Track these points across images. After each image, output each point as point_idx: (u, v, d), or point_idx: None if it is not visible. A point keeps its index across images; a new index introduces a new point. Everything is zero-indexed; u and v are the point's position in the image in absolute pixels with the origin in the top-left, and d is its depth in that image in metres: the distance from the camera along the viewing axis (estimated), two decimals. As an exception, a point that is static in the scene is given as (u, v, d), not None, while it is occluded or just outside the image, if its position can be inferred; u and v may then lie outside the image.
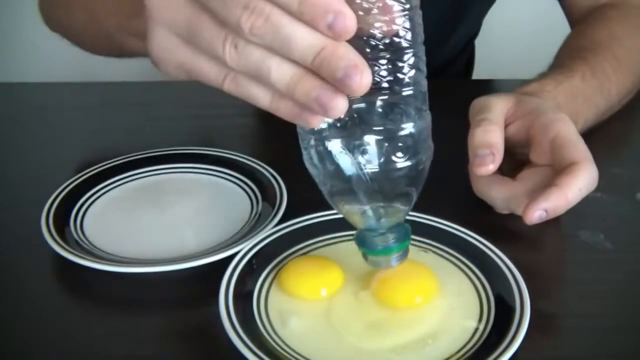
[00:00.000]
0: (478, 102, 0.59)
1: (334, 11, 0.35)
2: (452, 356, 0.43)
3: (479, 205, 0.57)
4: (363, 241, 0.45)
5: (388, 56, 0.38)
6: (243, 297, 0.47)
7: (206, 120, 0.76)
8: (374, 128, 0.39)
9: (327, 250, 0.52)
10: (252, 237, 0.53)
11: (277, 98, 0.38)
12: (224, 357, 0.44)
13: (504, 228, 0.56)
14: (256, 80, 0.38)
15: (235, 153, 0.65)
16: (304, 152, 0.42)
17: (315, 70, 0.36)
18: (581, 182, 0.52)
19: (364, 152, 0.39)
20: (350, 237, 0.53)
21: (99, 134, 0.76)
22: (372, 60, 0.37)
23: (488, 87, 0.89)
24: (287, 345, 0.44)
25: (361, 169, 0.40)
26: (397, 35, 0.37)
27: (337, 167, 0.40)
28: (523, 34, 1.42)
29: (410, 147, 0.40)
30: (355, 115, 0.39)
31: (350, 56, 0.36)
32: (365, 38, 0.37)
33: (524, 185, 0.55)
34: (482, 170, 0.54)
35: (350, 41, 0.36)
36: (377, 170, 0.40)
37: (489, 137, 0.55)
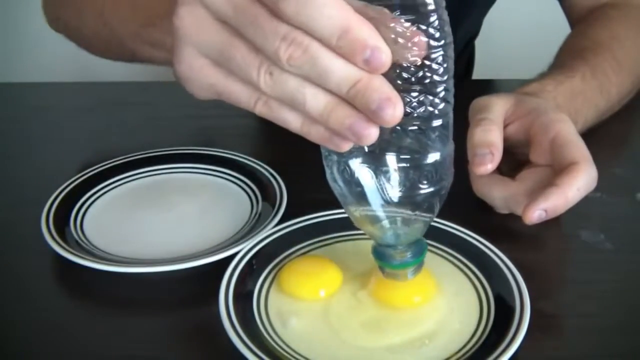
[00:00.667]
0: (478, 102, 0.59)
1: (371, 47, 0.35)
2: (451, 356, 0.43)
3: (479, 205, 0.57)
4: (381, 255, 0.46)
5: (420, 88, 0.38)
6: (243, 297, 0.47)
7: (206, 120, 0.76)
8: (401, 156, 0.40)
9: (327, 251, 0.52)
10: (252, 237, 0.53)
11: (309, 123, 0.39)
12: (224, 357, 0.44)
13: (504, 228, 0.56)
14: (289, 106, 0.38)
15: (235, 153, 0.65)
16: (327, 170, 0.43)
17: (350, 100, 0.37)
18: (581, 182, 0.52)
19: (388, 178, 0.40)
20: (350, 237, 0.53)
21: (99, 134, 0.76)
22: (404, 92, 0.38)
23: (488, 87, 0.89)
24: (287, 345, 0.44)
25: (384, 193, 0.41)
26: (430, 69, 0.38)
27: (361, 189, 0.41)
28: (523, 34, 1.42)
29: (435, 175, 0.41)
30: (383, 143, 0.39)
31: (384, 89, 0.36)
32: (398, 70, 0.38)
33: (524, 185, 0.55)
34: (481, 170, 0.54)
35: (385, 73, 0.36)
36: (400, 195, 0.41)
37: (488, 137, 0.55)
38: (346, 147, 0.39)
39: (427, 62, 0.38)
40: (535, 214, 0.52)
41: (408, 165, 0.40)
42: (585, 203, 0.54)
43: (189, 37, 0.39)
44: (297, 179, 0.59)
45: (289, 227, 0.54)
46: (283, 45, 0.36)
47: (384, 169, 0.40)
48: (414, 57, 0.37)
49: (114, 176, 0.63)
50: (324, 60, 0.36)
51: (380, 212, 0.42)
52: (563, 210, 0.53)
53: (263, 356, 0.41)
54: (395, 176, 0.40)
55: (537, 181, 0.55)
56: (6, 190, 0.65)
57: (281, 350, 0.43)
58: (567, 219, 0.55)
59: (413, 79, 0.38)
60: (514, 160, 0.58)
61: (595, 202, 0.58)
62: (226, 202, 0.60)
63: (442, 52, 0.38)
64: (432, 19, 0.37)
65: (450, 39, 0.39)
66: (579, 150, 0.54)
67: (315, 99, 0.37)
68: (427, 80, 0.38)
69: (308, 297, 0.48)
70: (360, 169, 0.41)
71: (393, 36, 0.36)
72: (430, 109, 0.39)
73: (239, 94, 0.39)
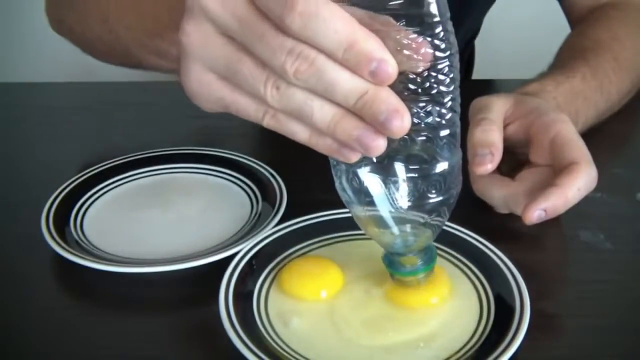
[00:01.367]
0: (478, 102, 0.59)
1: (377, 59, 0.35)
2: (451, 356, 0.43)
3: (479, 205, 0.57)
4: (391, 262, 0.46)
5: (427, 99, 0.39)
6: (243, 297, 0.47)
7: (206, 120, 0.75)
8: (410, 166, 0.40)
9: (327, 251, 0.52)
10: (252, 237, 0.53)
11: (317, 135, 0.39)
12: (224, 357, 0.44)
13: (504, 228, 0.56)
14: (296, 118, 0.39)
15: (235, 153, 0.65)
16: (336, 180, 0.43)
17: (357, 112, 0.37)
18: (580, 182, 0.52)
19: (397, 188, 0.41)
20: (350, 237, 0.53)
21: (99, 134, 0.76)
22: (411, 103, 0.38)
23: (488, 87, 0.89)
24: (287, 345, 0.44)
25: (393, 202, 0.41)
26: (436, 80, 0.38)
27: (370, 198, 0.41)
28: (523, 34, 1.42)
29: (444, 184, 0.41)
30: (392, 153, 0.40)
31: (391, 100, 0.36)
32: (405, 82, 0.38)
33: (524, 185, 0.55)
34: (480, 170, 0.54)
35: (391, 84, 0.37)
36: (409, 204, 0.41)
37: (487, 137, 0.55)
38: (354, 158, 0.39)
39: (433, 73, 0.38)
40: (535, 214, 0.52)
41: (417, 175, 0.40)
42: (585, 203, 0.54)
43: (195, 53, 0.40)
44: (297, 179, 0.59)
45: (289, 227, 0.54)
46: (289, 59, 0.36)
47: (393, 179, 0.40)
48: (420, 68, 0.37)
49: (114, 176, 0.63)
50: (330, 73, 0.36)
51: (389, 221, 0.42)
52: (563, 210, 0.53)
53: (263, 356, 0.41)
54: (404, 186, 0.40)
55: (537, 181, 0.55)
56: (6, 190, 0.65)
57: (281, 351, 0.43)
58: (567, 219, 0.55)
59: (420, 90, 0.38)
60: (514, 160, 0.58)
61: (595, 202, 0.58)
62: (226, 202, 0.60)
63: (448, 63, 0.38)
64: (437, 30, 0.37)
65: (456, 49, 0.39)
66: (579, 150, 0.54)
67: (323, 112, 0.37)
68: (434, 91, 0.38)
69: (310, 298, 0.48)
70: (369, 179, 0.41)
71: (399, 48, 0.37)
72: (438, 119, 0.39)
73: (247, 108, 0.39)
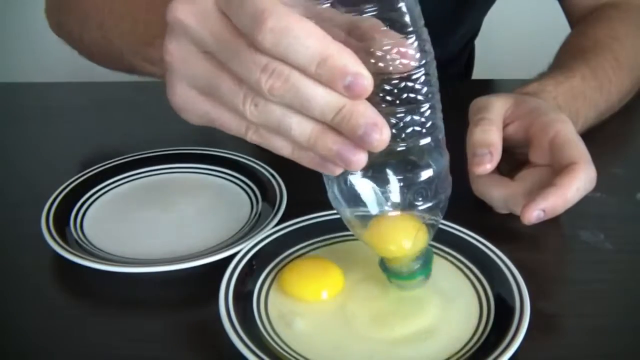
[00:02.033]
0: (477, 102, 0.59)
1: (352, 73, 0.35)
2: (452, 356, 0.43)
3: (479, 205, 0.57)
4: (387, 267, 0.46)
5: (405, 110, 0.39)
6: (243, 297, 0.47)
7: (206, 120, 0.76)
8: (397, 176, 0.40)
9: (327, 251, 0.53)
10: (252, 237, 0.53)
11: (299, 149, 0.39)
12: (224, 357, 0.44)
13: (504, 228, 0.56)
14: (277, 134, 0.39)
15: (235, 153, 0.65)
16: (328, 190, 0.43)
17: (336, 127, 0.37)
18: (580, 182, 0.53)
19: (387, 198, 0.41)
20: (350, 237, 0.53)
21: (99, 134, 0.76)
22: (389, 115, 0.38)
23: (488, 87, 0.89)
24: (287, 345, 0.44)
25: (383, 211, 0.41)
26: (413, 90, 0.38)
27: (361, 206, 0.42)
28: (523, 34, 1.42)
29: (430, 190, 0.41)
30: (377, 164, 0.40)
31: (368, 113, 0.36)
32: (381, 94, 0.38)
33: (523, 185, 0.55)
34: (479, 170, 0.54)
35: (368, 97, 0.37)
36: (399, 213, 0.41)
37: (487, 137, 0.55)
38: (338, 171, 0.39)
39: (409, 84, 0.38)
40: (534, 214, 0.52)
41: (402, 185, 0.41)
42: (585, 203, 0.54)
43: (178, 71, 0.40)
44: (297, 179, 0.59)
45: (288, 227, 0.54)
46: (264, 76, 0.36)
47: (380, 189, 0.41)
48: (396, 79, 0.38)
49: (114, 176, 0.63)
50: (305, 89, 0.36)
51: None
52: (562, 210, 0.53)
53: (263, 356, 0.41)
54: (390, 196, 0.41)
55: (537, 181, 0.55)
56: (6, 190, 0.65)
57: (281, 351, 0.43)
58: (566, 219, 0.55)
59: (398, 101, 0.38)
60: (514, 160, 0.58)
61: (595, 202, 0.58)
62: (226, 202, 0.60)
63: (423, 72, 0.38)
64: (410, 40, 0.37)
65: (432, 56, 0.39)
66: (579, 150, 0.54)
67: (301, 127, 0.38)
68: (412, 101, 0.38)
69: (311, 298, 0.48)
70: (357, 187, 0.41)
71: (373, 61, 0.37)
72: (418, 128, 0.39)
73: (230, 123, 0.40)
